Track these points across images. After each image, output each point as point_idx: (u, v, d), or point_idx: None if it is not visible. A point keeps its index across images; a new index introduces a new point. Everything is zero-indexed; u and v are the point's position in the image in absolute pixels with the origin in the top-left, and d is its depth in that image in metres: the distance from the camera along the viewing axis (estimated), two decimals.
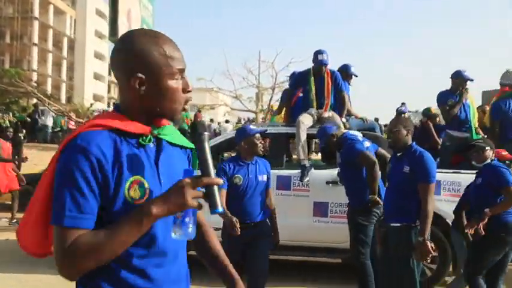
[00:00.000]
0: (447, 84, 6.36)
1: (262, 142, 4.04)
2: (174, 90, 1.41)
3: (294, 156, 6.65)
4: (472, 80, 6.25)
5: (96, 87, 48.85)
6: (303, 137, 5.73)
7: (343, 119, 6.15)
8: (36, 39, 40.74)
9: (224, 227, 3.91)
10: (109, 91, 53.26)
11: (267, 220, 4.11)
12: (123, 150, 1.37)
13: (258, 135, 4.02)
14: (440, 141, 6.69)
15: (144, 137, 1.41)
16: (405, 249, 3.72)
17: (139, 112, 1.41)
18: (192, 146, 1.59)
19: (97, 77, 50.49)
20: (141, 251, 1.37)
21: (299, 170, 5.56)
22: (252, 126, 4.23)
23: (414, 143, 3.94)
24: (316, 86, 6.09)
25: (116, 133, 1.38)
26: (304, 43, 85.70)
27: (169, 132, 1.51)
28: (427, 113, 6.99)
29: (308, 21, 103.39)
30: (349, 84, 6.91)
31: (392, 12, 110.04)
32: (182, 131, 16.82)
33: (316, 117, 5.98)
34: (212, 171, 1.32)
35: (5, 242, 6.96)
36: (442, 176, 5.43)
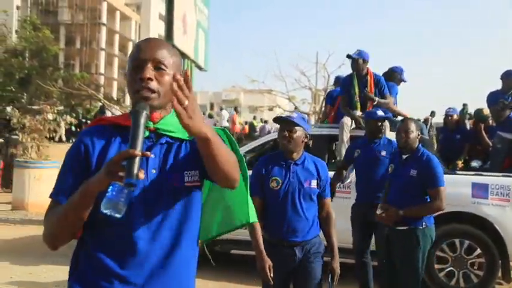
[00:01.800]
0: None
1: (290, 135, 3.08)
2: (130, 80, 1.55)
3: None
4: None
5: None
6: (346, 138, 5.73)
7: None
8: (103, 44, 42.57)
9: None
10: None
11: (319, 237, 3.21)
12: (114, 142, 1.54)
13: (288, 126, 3.06)
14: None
15: None
16: (412, 252, 3.69)
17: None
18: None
19: None
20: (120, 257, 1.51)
21: None
22: (286, 114, 3.43)
23: (421, 145, 3.88)
24: (359, 88, 6.05)
25: (117, 128, 1.56)
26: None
27: (171, 125, 1.57)
28: (478, 114, 6.74)
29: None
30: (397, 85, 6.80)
31: (395, 13, 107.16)
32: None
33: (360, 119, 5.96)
34: (138, 145, 1.35)
35: None
36: (490, 179, 5.25)
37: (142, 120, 1.40)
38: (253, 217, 1.91)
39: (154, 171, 1.53)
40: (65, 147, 8.82)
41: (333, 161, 6.36)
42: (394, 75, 6.66)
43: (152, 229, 1.51)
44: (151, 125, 1.53)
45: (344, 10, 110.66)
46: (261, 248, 3.02)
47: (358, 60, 5.96)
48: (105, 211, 1.33)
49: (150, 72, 1.50)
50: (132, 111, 1.43)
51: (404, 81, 6.85)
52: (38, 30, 22.52)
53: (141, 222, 1.50)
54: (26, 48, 21.90)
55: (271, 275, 3.00)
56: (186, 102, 1.31)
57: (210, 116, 20.55)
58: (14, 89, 21.52)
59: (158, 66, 1.53)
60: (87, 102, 21.01)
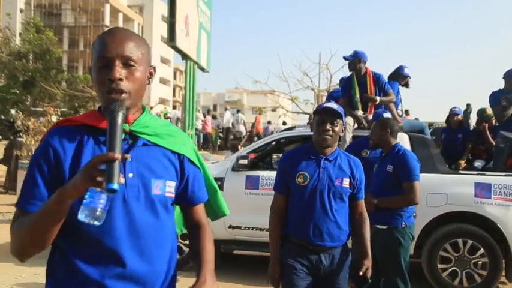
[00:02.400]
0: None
1: (332, 128, 2.77)
2: (98, 80, 1.41)
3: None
4: None
5: (162, 91, 50.53)
6: (348, 138, 5.74)
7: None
8: None
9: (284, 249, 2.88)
10: (174, 95, 54.91)
11: (347, 245, 2.89)
12: (87, 145, 1.41)
13: (332, 117, 2.74)
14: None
15: None
16: (394, 251, 3.69)
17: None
18: (183, 152, 1.56)
19: (163, 81, 52.18)
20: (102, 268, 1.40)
21: None
22: (328, 104, 2.89)
23: (399, 143, 3.93)
24: (359, 89, 6.06)
25: (87, 130, 1.43)
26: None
27: (147, 127, 1.48)
28: (481, 114, 6.74)
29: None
30: (400, 84, 6.79)
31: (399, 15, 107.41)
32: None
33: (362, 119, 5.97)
34: (117, 148, 1.26)
35: None
36: (493, 178, 5.25)
37: (120, 121, 1.30)
38: (225, 209, 1.85)
39: (131, 175, 1.43)
40: None
41: None
42: (397, 74, 6.67)
43: (133, 236, 1.42)
44: (126, 127, 1.43)
45: (346, 12, 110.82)
46: (275, 253, 2.84)
47: (354, 61, 5.99)
48: (83, 219, 1.22)
49: (119, 71, 1.39)
50: (108, 112, 1.32)
51: (409, 77, 6.81)
52: (42, 32, 22.63)
53: (121, 229, 1.40)
54: (29, 51, 22.00)
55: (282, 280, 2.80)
56: None
57: (214, 117, 20.60)
58: (18, 92, 21.63)
59: (127, 63, 1.41)
60: (90, 104, 21.07)
